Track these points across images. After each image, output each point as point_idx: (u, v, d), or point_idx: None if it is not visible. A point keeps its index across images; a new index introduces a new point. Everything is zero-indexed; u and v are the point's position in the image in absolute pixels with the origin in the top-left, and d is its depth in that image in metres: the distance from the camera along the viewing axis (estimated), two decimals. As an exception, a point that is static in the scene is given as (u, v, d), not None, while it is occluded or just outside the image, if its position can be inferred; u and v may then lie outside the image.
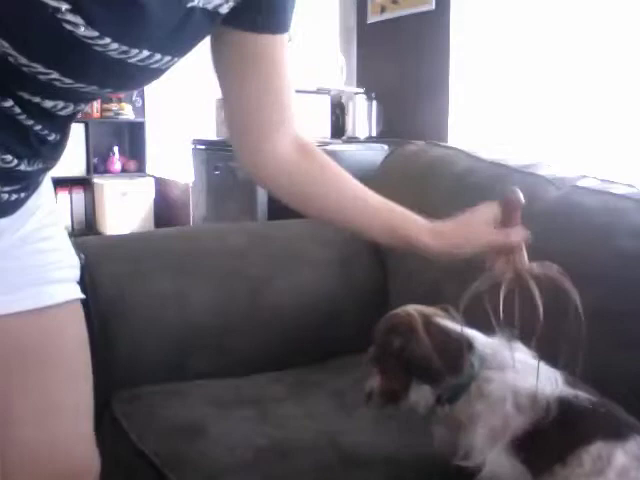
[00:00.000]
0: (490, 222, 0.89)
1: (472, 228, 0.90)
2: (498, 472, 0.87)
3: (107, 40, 0.70)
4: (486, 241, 0.89)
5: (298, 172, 0.95)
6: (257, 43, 0.88)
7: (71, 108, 0.82)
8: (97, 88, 0.77)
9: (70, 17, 0.67)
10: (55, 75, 0.73)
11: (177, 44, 0.79)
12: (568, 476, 0.83)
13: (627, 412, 0.88)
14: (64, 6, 0.66)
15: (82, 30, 0.68)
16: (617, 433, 0.84)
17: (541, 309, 0.83)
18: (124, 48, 0.72)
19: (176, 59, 0.80)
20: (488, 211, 0.90)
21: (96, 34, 0.69)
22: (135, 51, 0.73)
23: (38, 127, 0.81)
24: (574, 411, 0.86)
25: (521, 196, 0.88)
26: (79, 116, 0.89)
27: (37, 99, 0.78)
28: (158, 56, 0.76)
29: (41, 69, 0.72)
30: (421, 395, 0.92)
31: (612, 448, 0.82)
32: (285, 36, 0.89)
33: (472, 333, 0.93)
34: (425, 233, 0.90)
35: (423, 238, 0.90)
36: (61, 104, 0.80)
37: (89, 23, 0.68)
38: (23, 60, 0.70)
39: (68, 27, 0.68)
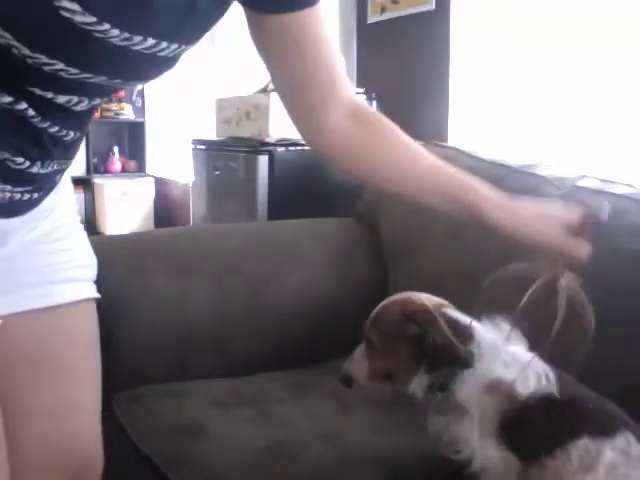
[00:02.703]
0: (563, 225, 0.85)
1: (545, 222, 0.86)
2: (487, 462, 0.88)
3: (106, 26, 0.69)
4: (553, 243, 0.85)
5: (355, 141, 0.92)
6: (289, 22, 0.86)
7: (86, 102, 0.81)
8: (106, 79, 0.76)
9: (67, 4, 0.66)
10: (60, 65, 0.72)
11: (184, 32, 0.78)
12: (558, 468, 0.83)
13: (625, 411, 0.88)
14: None
15: (79, 17, 0.67)
16: (605, 428, 0.85)
17: (559, 322, 0.82)
18: (126, 35, 0.71)
19: (184, 47, 0.79)
20: (565, 214, 0.86)
21: (94, 20, 0.68)
22: (139, 38, 0.72)
23: (55, 129, 0.81)
24: (562, 405, 0.86)
25: (605, 214, 0.86)
26: (96, 115, 0.88)
27: (50, 94, 0.77)
28: (164, 44, 0.75)
29: (45, 60, 0.71)
30: (420, 383, 0.92)
31: (600, 444, 0.83)
32: (316, 7, 0.87)
33: (474, 324, 0.94)
34: (492, 205, 0.86)
35: (488, 210, 0.86)
36: (75, 99, 0.79)
37: (85, 9, 0.67)
38: (26, 51, 0.70)
39: (65, 14, 0.67)
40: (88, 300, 0.99)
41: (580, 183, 1.29)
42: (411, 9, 2.85)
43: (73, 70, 0.73)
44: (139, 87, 4.94)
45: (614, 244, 1.12)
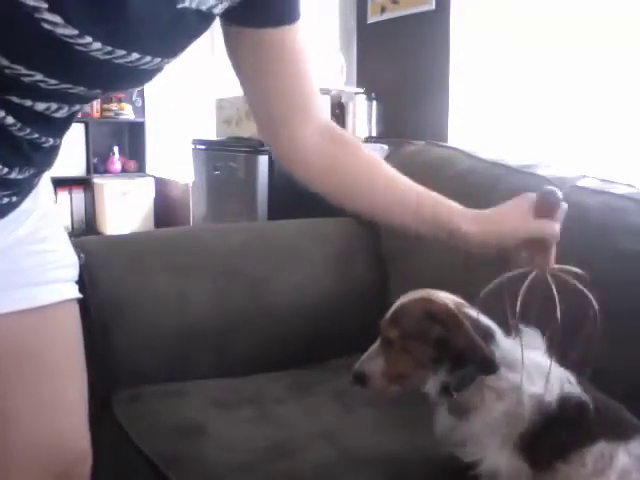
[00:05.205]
0: (528, 212, 0.86)
1: (514, 216, 0.87)
2: (497, 468, 0.87)
3: (88, 39, 0.68)
4: (525, 230, 0.86)
5: (327, 161, 0.93)
6: (267, 38, 0.86)
7: (66, 109, 0.80)
8: (85, 89, 0.76)
9: (48, 16, 0.65)
10: (39, 77, 0.71)
11: (168, 46, 0.77)
12: (570, 474, 0.83)
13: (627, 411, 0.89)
14: (42, 5, 0.64)
15: (61, 29, 0.66)
16: (620, 433, 0.85)
17: (559, 313, 0.82)
18: (108, 48, 0.70)
19: (166, 60, 0.78)
20: (525, 201, 0.87)
21: (75, 32, 0.67)
22: (122, 52, 0.72)
23: (34, 136, 0.80)
24: (579, 411, 0.86)
25: (559, 196, 0.86)
26: (78, 116, 0.87)
27: (28, 102, 0.76)
28: (148, 58, 0.75)
29: (23, 71, 0.70)
30: (435, 383, 0.91)
31: (615, 448, 0.83)
32: (295, 26, 0.87)
33: (494, 326, 0.92)
34: (468, 221, 0.87)
35: (466, 226, 0.87)
36: (54, 106, 0.78)
37: (68, 21, 0.66)
38: (5, 62, 0.69)
39: (47, 26, 0.66)
40: (71, 300, 0.98)
41: (580, 183, 1.29)
42: (411, 9, 2.85)
43: (52, 81, 0.72)
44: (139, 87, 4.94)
45: (614, 244, 1.12)
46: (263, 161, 2.65)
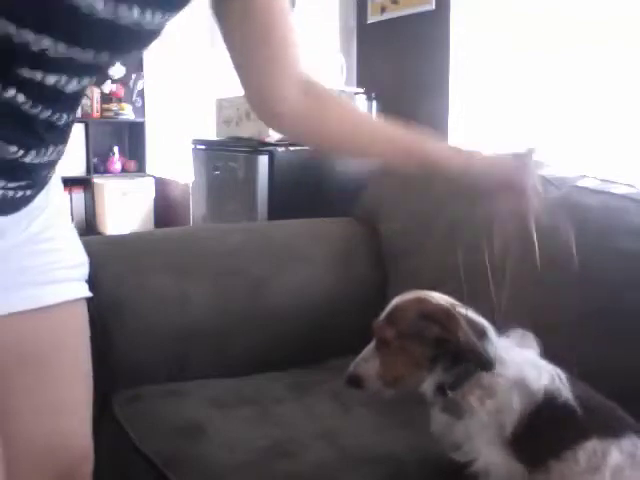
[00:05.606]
0: (505, 164, 0.94)
1: (493, 158, 0.95)
2: (491, 466, 0.87)
3: None
4: (504, 170, 0.93)
5: (311, 114, 0.98)
6: (253, 3, 0.89)
7: (75, 82, 0.80)
8: (93, 53, 0.76)
9: None
10: (47, 42, 0.71)
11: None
12: (563, 470, 0.83)
13: (626, 410, 0.89)
14: None
15: None
16: (613, 431, 0.85)
17: (537, 254, 0.89)
18: (111, 4, 0.72)
19: (167, 15, 0.80)
20: (503, 157, 0.95)
21: None
22: (124, 7, 0.73)
23: (47, 113, 0.80)
24: (571, 408, 0.86)
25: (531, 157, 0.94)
26: (79, 116, 0.87)
27: (38, 75, 0.76)
28: (149, 13, 0.76)
29: (32, 36, 0.70)
30: (431, 383, 0.91)
31: (607, 445, 0.83)
32: None
33: (487, 324, 0.93)
34: (443, 149, 0.95)
35: (441, 153, 0.94)
36: (64, 78, 0.78)
37: None
38: (11, 29, 0.69)
39: None
40: (77, 300, 0.98)
41: (580, 183, 1.30)
42: (411, 9, 2.85)
43: (60, 47, 0.73)
44: (139, 87, 4.94)
45: (614, 244, 1.12)
46: (263, 161, 2.64)
